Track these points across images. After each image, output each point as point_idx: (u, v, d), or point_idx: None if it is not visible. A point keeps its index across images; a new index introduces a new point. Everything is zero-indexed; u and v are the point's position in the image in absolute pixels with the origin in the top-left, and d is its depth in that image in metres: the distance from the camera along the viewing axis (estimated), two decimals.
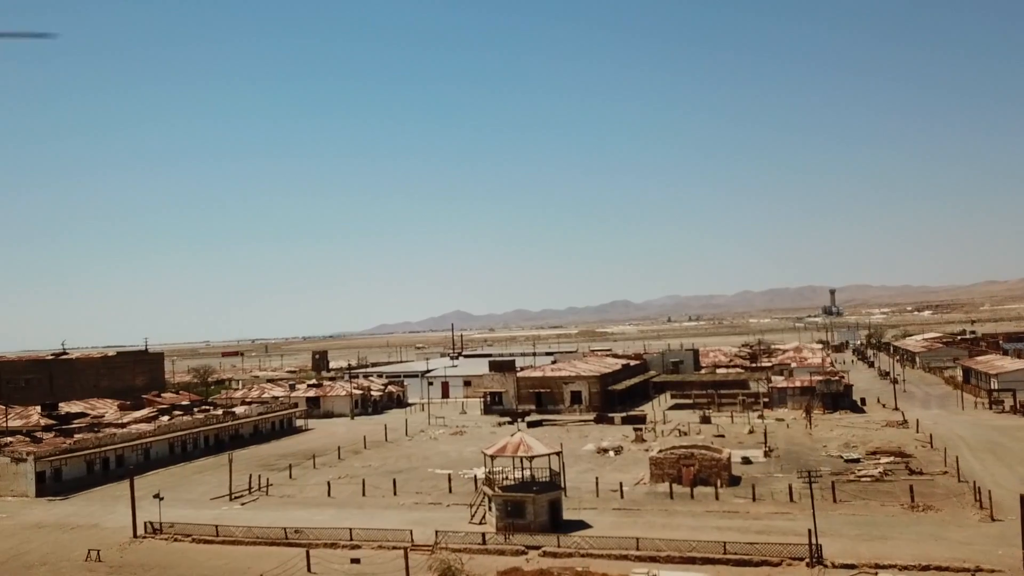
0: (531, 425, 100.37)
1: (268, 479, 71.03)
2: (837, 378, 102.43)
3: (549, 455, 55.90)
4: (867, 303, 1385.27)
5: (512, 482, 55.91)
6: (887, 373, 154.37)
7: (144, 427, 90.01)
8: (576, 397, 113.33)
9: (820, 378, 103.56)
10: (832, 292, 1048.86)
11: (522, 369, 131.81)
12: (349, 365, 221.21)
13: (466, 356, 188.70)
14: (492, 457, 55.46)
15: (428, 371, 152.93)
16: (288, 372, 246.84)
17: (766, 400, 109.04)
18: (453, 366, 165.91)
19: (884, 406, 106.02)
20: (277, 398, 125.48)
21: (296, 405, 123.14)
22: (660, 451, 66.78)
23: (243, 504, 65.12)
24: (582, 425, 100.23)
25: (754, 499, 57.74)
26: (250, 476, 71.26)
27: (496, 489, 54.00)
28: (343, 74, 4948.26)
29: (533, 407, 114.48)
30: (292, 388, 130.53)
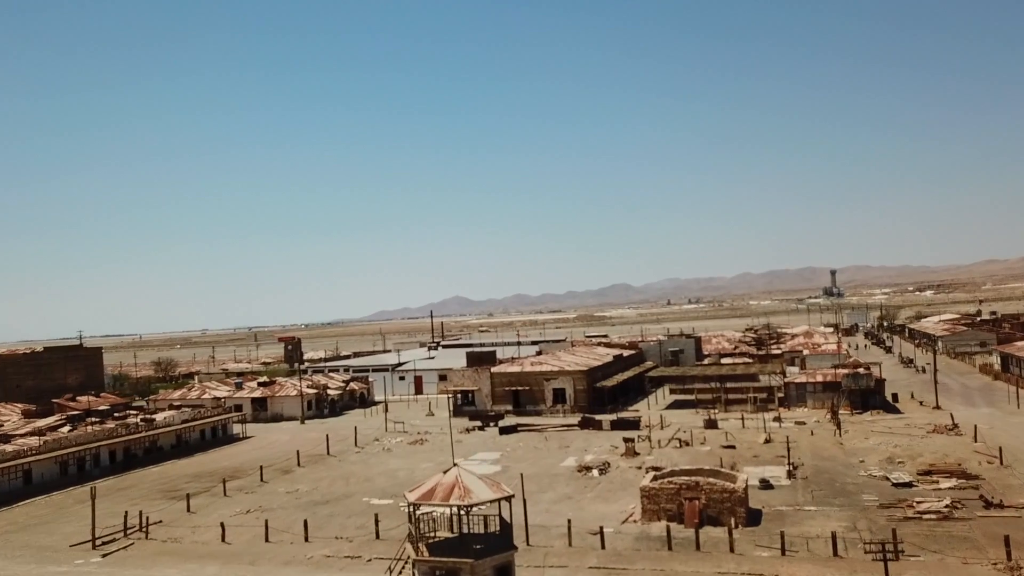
0: (504, 431, 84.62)
1: (148, 517, 55.09)
2: (866, 371, 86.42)
3: (499, 500, 39.92)
4: (867, 284, 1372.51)
5: (449, 533, 40.22)
6: (910, 360, 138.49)
7: (30, 442, 74.18)
8: (559, 395, 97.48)
9: (846, 371, 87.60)
10: (833, 273, 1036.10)
11: (501, 362, 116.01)
12: (300, 361, 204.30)
13: (445, 346, 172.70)
14: (415, 506, 39.44)
15: (399, 364, 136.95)
16: (262, 364, 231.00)
17: (780, 396, 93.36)
18: (429, 358, 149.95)
19: (922, 404, 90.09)
20: (219, 399, 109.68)
21: (239, 407, 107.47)
22: (655, 478, 50.98)
23: (105, 556, 49.29)
24: (564, 431, 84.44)
25: (783, 551, 41.93)
26: (126, 514, 55.29)
27: (422, 549, 38.17)
28: (340, 65, 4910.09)
29: (510, 407, 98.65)
30: (239, 387, 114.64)
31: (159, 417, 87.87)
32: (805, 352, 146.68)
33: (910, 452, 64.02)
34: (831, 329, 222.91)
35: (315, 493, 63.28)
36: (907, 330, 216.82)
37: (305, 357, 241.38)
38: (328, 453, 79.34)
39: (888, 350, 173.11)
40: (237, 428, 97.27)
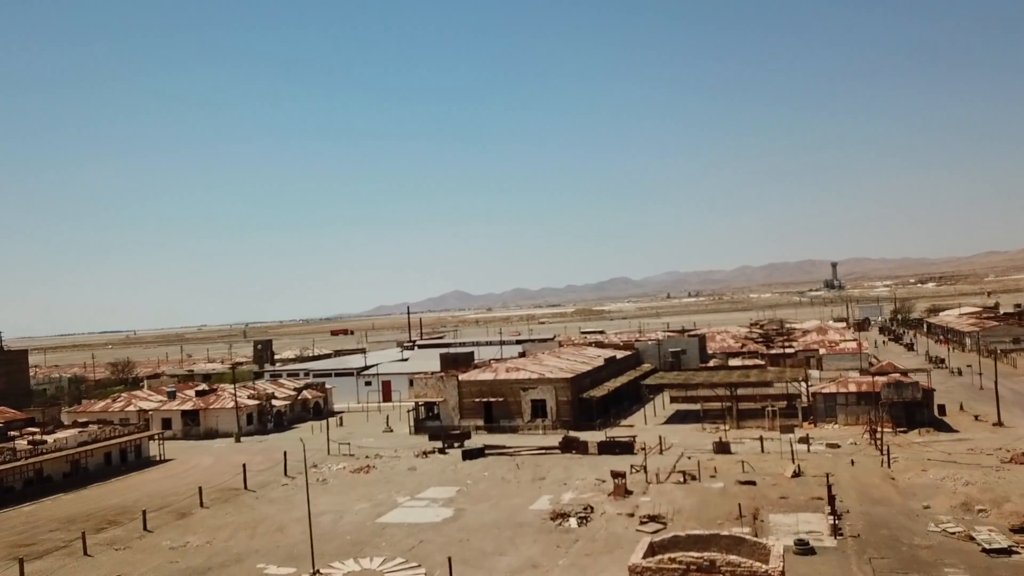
0: (468, 455, 69.15)
1: None
2: (912, 381, 70.79)
3: None
4: (867, 276, 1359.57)
5: None
6: (941, 361, 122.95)
7: None
8: (538, 408, 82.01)
9: (885, 379, 72.06)
10: (834, 265, 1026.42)
11: (476, 366, 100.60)
12: (271, 362, 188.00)
13: (421, 346, 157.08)
14: None
15: (365, 368, 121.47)
16: (231, 365, 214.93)
17: (804, 406, 78.16)
18: (402, 359, 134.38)
19: (977, 419, 74.63)
20: (146, 411, 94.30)
21: (168, 421, 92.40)
22: (652, 549, 35.45)
23: None
24: (541, 455, 69.02)
25: None
26: None
27: None
28: (338, 59, 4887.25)
29: (481, 422, 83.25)
30: (172, 396, 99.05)
31: (52, 439, 72.33)
32: (821, 351, 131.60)
33: (990, 494, 48.51)
34: (843, 324, 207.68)
35: (203, 552, 47.85)
36: (926, 324, 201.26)
37: (279, 356, 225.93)
38: (245, 486, 63.73)
39: (910, 347, 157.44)
40: (162, 447, 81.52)
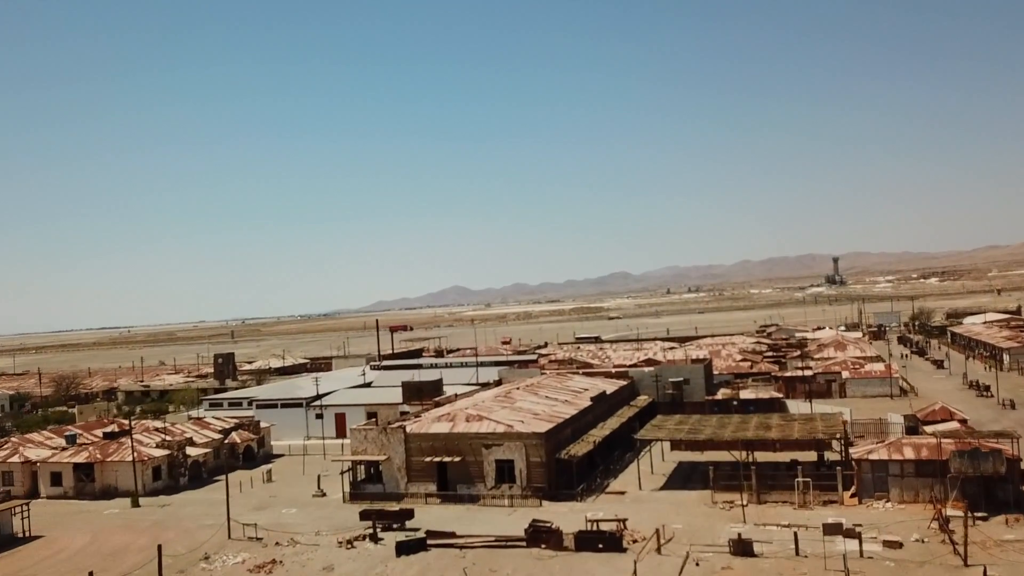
0: (404, 549, 52.13)
1: None
2: (992, 448, 53.75)
3: None
4: (868, 271, 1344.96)
5: None
6: (987, 388, 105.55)
7: None
8: (505, 470, 64.92)
9: (954, 445, 55.02)
10: (835, 260, 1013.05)
11: (438, 404, 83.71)
12: (232, 376, 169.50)
13: (387, 367, 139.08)
14: None
15: (316, 397, 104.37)
16: (194, 377, 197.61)
17: (847, 471, 61.23)
18: (363, 384, 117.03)
19: None
20: (32, 463, 77.52)
21: (58, 476, 75.68)
22: None
23: None
24: (500, 549, 52.09)
25: None
26: None
27: None
28: (338, 54, 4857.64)
29: (434, 487, 66.27)
30: (71, 442, 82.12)
31: None
32: (844, 374, 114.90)
33: None
34: (858, 334, 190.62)
35: None
36: (949, 334, 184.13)
37: (247, 367, 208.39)
38: None
39: (939, 364, 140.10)
40: (25, 522, 64.40)
